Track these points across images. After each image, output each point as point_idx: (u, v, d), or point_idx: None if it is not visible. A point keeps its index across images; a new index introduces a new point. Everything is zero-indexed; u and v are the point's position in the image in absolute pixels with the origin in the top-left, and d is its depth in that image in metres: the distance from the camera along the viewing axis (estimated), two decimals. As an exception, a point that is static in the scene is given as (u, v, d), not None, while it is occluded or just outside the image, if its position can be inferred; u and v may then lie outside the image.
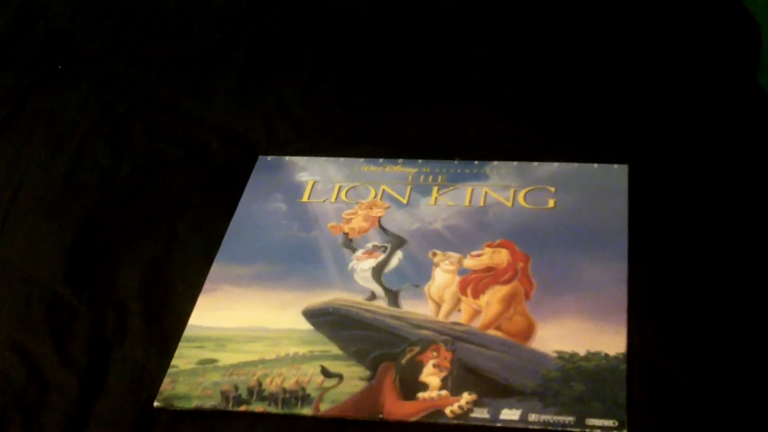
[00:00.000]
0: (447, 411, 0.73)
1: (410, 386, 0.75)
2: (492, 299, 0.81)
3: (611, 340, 0.76)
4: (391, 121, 1.01)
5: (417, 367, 0.76)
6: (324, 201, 0.92)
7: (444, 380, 0.75)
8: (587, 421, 0.72)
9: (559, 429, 0.72)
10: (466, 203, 0.90)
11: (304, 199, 0.93)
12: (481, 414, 0.73)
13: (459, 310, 0.81)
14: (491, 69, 1.06)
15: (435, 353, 0.77)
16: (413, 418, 0.74)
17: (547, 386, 0.74)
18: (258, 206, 0.93)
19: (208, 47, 1.15)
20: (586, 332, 0.77)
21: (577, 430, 0.71)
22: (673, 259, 0.83)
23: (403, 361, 0.77)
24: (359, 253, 0.87)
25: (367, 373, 0.77)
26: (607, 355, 0.75)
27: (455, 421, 0.73)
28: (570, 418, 0.72)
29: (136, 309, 0.84)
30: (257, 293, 0.84)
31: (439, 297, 0.82)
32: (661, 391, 0.74)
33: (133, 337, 0.82)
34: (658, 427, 0.72)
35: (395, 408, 0.74)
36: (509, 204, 0.90)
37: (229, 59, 1.13)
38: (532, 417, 0.72)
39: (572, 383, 0.74)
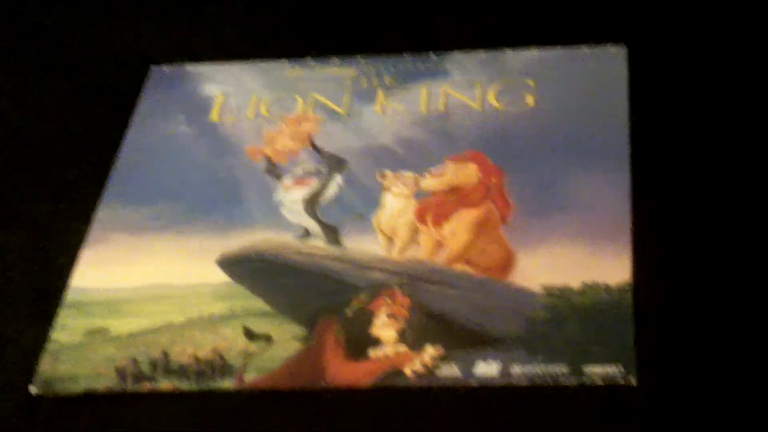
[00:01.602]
0: (407, 370, 0.74)
1: (359, 343, 0.76)
2: (458, 227, 0.82)
3: (612, 268, 0.77)
4: (323, 12, 1.01)
5: (366, 318, 0.77)
6: (239, 118, 0.92)
7: (401, 333, 0.76)
8: (585, 369, 0.72)
9: (550, 382, 0.72)
10: (422, 108, 0.90)
11: (213, 117, 0.93)
12: (450, 371, 0.73)
13: (417, 244, 0.82)
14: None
15: (388, 300, 0.78)
16: (365, 383, 0.74)
17: (532, 330, 0.74)
18: (154, 130, 0.92)
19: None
20: (579, 260, 0.77)
21: (573, 380, 0.72)
22: (685, 163, 0.83)
23: (349, 312, 0.78)
24: (287, 180, 0.87)
25: (303, 331, 0.77)
26: (607, 286, 0.76)
27: (418, 383, 0.73)
28: (563, 368, 0.72)
29: (13, 273, 0.85)
30: (158, 241, 0.85)
31: (391, 229, 0.83)
32: (676, 328, 0.74)
33: (5, 308, 0.83)
34: (672, 372, 0.72)
35: (341, 372, 0.75)
36: (476, 106, 0.90)
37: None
38: (516, 369, 0.73)
39: (564, 324, 0.74)
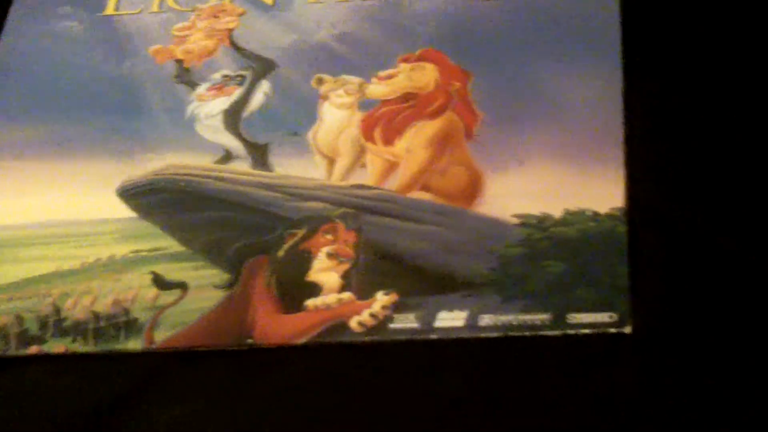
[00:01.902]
0: (353, 323, 0.73)
1: (294, 291, 0.75)
2: (414, 143, 0.81)
3: (602, 191, 0.76)
4: None
5: (303, 259, 0.76)
6: (140, 12, 0.92)
7: (346, 276, 0.75)
8: (569, 318, 0.71)
9: (528, 333, 0.71)
10: (367, -5, 0.90)
11: (109, 10, 0.93)
12: (406, 322, 0.73)
13: (363, 166, 0.81)
14: None
15: (329, 236, 0.77)
16: (301, 339, 0.73)
17: (505, 270, 0.74)
18: (35, 28, 0.93)
19: None
20: (562, 182, 0.77)
21: (556, 330, 0.71)
22: (688, 59, 0.83)
23: (281, 252, 0.77)
24: (202, 89, 0.87)
25: (226, 276, 0.77)
26: (596, 213, 0.75)
27: (366, 338, 0.73)
28: (543, 316, 0.71)
29: None
30: (43, 168, 0.85)
31: (331, 148, 0.82)
32: (677, 263, 0.74)
33: None
34: (673, 318, 0.71)
35: (272, 326, 0.74)
36: (434, -8, 0.89)
37: None
38: (485, 320, 0.72)
39: (544, 262, 0.74)
